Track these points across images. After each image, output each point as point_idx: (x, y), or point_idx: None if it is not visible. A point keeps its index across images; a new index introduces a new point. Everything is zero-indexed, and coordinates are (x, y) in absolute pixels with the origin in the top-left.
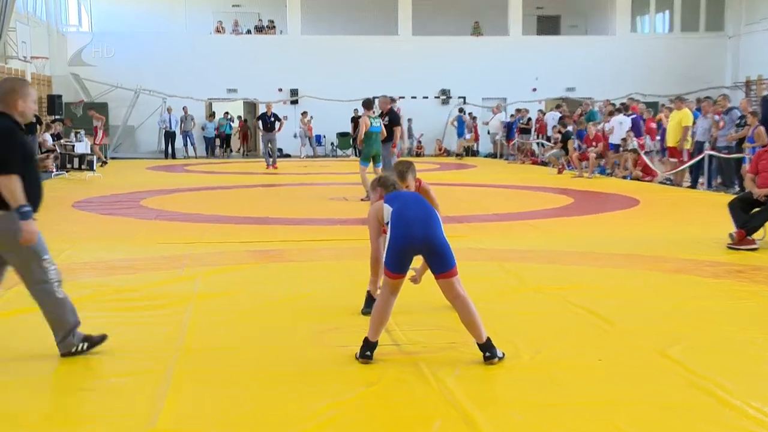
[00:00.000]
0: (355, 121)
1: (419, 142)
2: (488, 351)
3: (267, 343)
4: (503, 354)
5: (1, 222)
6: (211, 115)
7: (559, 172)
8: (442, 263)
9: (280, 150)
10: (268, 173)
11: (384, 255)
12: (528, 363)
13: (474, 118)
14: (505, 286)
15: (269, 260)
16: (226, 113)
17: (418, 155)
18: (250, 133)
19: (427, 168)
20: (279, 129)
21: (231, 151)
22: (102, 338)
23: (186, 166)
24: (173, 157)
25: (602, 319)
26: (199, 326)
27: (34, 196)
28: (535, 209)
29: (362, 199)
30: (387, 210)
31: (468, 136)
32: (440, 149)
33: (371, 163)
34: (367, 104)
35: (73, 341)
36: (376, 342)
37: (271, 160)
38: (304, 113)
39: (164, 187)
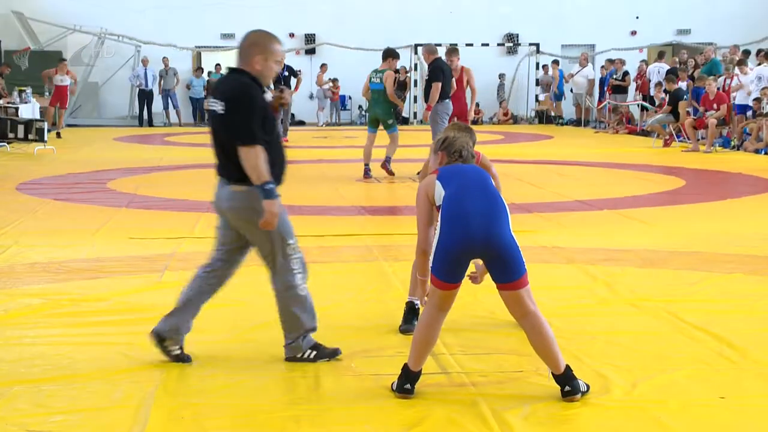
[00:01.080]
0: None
1: (476, 105)
2: (568, 384)
3: (274, 372)
4: (588, 387)
5: (242, 199)
6: (200, 69)
7: (666, 144)
8: (507, 271)
9: (292, 116)
10: None
11: (432, 255)
12: (622, 400)
13: (552, 67)
14: (591, 298)
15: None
16: (218, 66)
17: (475, 123)
18: None
19: (487, 140)
20: (296, 88)
21: None
22: (334, 352)
23: (167, 136)
24: (150, 124)
25: (725, 343)
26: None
27: (277, 171)
28: (631, 195)
29: (363, 177)
30: (438, 190)
31: (543, 96)
32: (506, 115)
33: (376, 131)
34: (389, 54)
35: (301, 345)
36: (420, 372)
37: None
38: (324, 67)
39: (138, 164)
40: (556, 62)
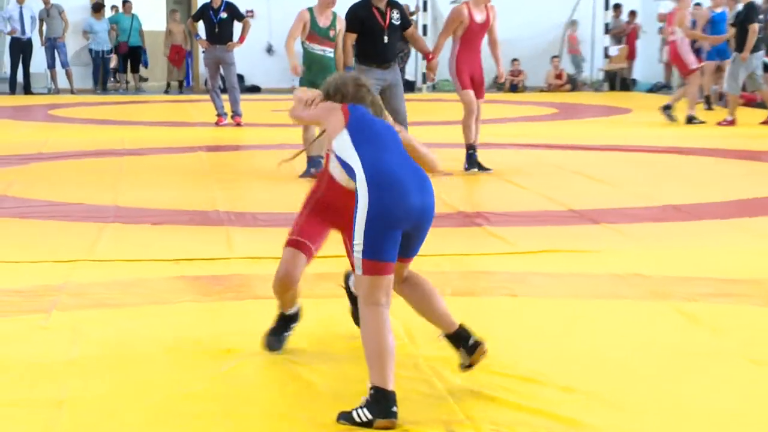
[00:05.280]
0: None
1: (515, 63)
2: (469, 339)
3: None
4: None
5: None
6: (100, 7)
7: None
8: (418, 245)
9: (241, 79)
10: (220, 128)
11: (358, 231)
12: None
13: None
14: (690, 348)
15: (217, 296)
16: (127, 2)
17: (515, 89)
18: (184, 47)
19: (533, 114)
20: (241, 39)
21: (143, 79)
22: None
23: (52, 108)
24: (27, 89)
25: None
26: None
27: None
28: (750, 197)
29: (300, 175)
30: (344, 145)
31: (615, 50)
32: (559, 77)
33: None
34: None
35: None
36: (392, 393)
37: (223, 101)
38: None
39: (10, 150)
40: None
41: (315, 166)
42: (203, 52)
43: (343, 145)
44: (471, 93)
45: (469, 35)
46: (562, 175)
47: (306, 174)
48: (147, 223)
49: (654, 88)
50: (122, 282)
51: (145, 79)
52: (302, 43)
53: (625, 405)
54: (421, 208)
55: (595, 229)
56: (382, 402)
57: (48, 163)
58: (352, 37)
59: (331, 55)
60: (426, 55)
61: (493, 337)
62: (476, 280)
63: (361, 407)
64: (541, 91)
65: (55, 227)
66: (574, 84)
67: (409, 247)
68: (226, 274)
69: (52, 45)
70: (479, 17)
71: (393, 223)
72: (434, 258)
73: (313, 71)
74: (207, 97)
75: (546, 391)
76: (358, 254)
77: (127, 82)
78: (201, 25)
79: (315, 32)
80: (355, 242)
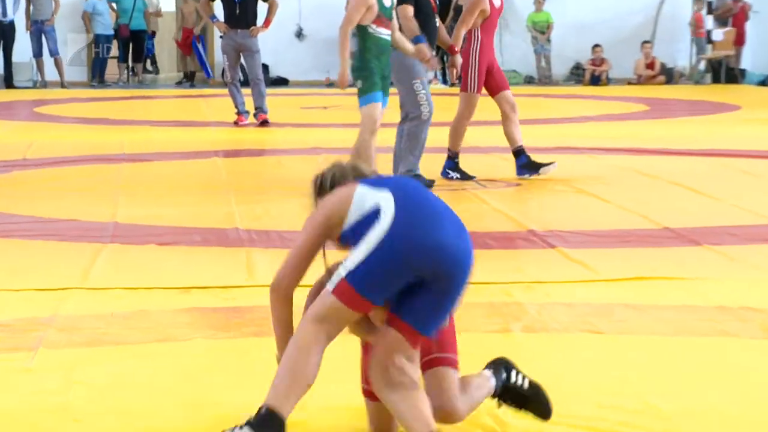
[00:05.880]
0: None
1: (597, 50)
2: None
3: None
4: None
5: None
6: None
7: None
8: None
9: (266, 70)
10: (240, 129)
11: (358, 250)
12: None
13: None
14: None
15: (236, 331)
16: None
17: (596, 81)
18: (198, 34)
19: (616, 112)
20: (266, 23)
21: (152, 70)
22: None
23: (39, 103)
24: (9, 82)
25: None
26: None
27: None
28: None
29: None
30: (364, 196)
31: (720, 34)
32: (650, 67)
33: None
34: None
35: None
36: (281, 417)
37: (244, 97)
38: None
39: None
40: None
41: None
42: (221, 37)
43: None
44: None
45: (490, 24)
46: (655, 185)
47: None
48: (151, 243)
49: (767, 81)
50: (121, 315)
51: (153, 71)
52: (365, 28)
53: None
54: (455, 250)
55: (696, 252)
56: (267, 426)
57: (33, 171)
58: (410, 9)
59: (389, 37)
60: (450, 49)
61: (571, 381)
62: (552, 312)
63: (240, 426)
64: (629, 83)
65: (42, 248)
66: (669, 75)
67: (432, 305)
68: (247, 306)
69: (39, 29)
70: (497, 1)
71: (410, 258)
72: (503, 286)
73: (372, 56)
74: (224, 91)
75: None
76: (342, 270)
77: (129, 74)
78: (218, 6)
79: (383, 14)
80: (347, 259)
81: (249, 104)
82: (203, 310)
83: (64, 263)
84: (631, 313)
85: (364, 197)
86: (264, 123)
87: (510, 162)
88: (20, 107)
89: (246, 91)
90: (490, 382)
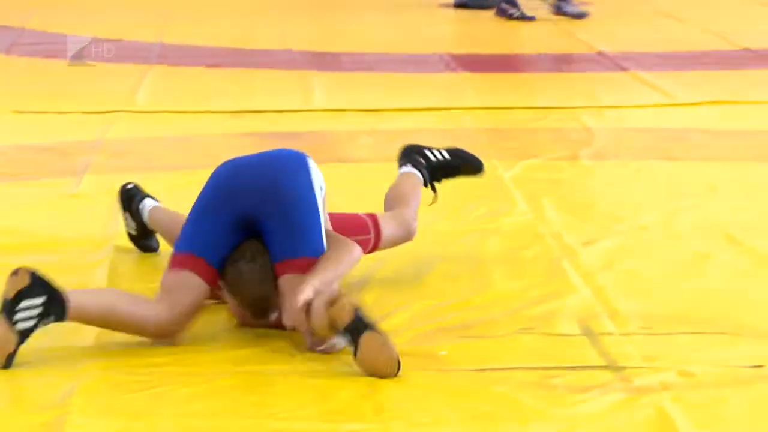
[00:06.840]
0: None
1: None
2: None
3: None
4: None
5: None
6: None
7: None
8: (292, 239)
9: None
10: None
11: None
12: None
13: None
14: None
15: None
16: None
17: None
18: None
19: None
20: None
21: None
22: None
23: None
24: None
25: None
26: None
27: None
28: None
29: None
30: None
31: None
32: None
33: None
34: None
35: None
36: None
37: None
38: None
39: None
40: None
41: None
42: None
43: None
44: None
45: None
46: (734, 4)
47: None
48: (200, 65)
49: None
50: (170, 139)
51: None
52: None
53: None
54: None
55: None
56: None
57: None
58: None
59: None
60: None
61: (645, 210)
62: (623, 138)
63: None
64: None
65: (86, 70)
66: None
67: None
68: (302, 131)
69: None
70: None
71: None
72: (573, 110)
73: None
74: None
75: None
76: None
77: None
78: None
79: None
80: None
81: None
82: (256, 136)
83: (109, 85)
84: (709, 138)
85: None
86: None
87: None
88: None
89: None
90: (418, 177)
